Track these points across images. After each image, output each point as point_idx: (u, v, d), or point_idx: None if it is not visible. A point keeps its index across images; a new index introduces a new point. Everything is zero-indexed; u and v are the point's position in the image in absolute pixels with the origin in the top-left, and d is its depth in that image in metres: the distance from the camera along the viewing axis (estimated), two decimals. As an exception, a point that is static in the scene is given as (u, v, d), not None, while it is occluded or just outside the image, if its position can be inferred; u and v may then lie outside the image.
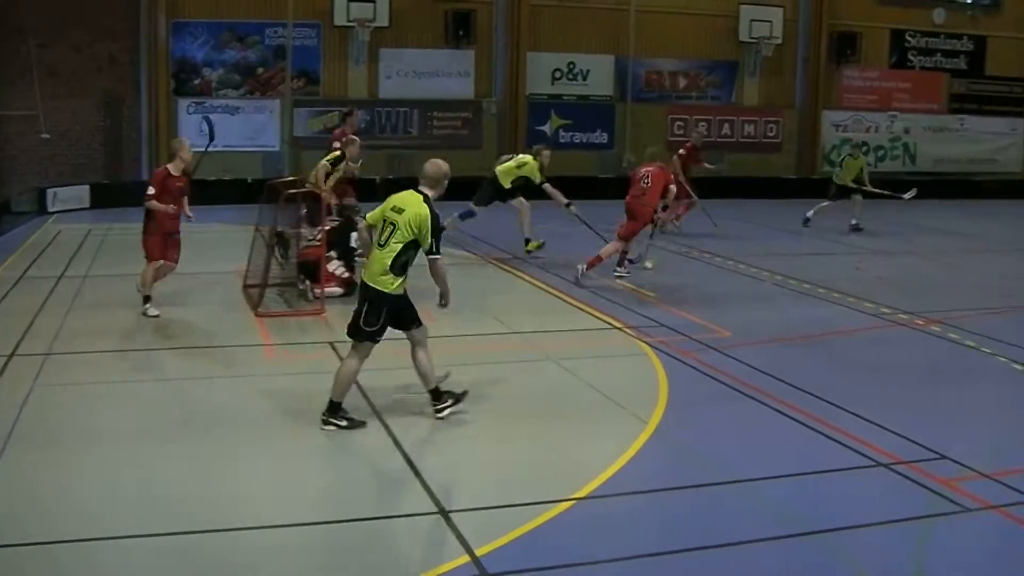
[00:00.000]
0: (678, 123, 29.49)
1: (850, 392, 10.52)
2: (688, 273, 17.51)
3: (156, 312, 13.13)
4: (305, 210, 14.95)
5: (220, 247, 18.85)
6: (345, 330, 9.22)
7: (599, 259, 15.87)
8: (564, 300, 14.78)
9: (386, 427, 9.05)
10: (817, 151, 30.91)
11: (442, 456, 8.76)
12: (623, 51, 28.69)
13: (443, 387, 9.42)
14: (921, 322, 13.96)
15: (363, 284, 9.15)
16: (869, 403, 10.05)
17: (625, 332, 12.85)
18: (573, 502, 7.51)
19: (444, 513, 7.25)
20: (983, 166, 33.28)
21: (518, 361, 11.60)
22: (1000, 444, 9.35)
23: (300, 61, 26.69)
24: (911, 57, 32.36)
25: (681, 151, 21.88)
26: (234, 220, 20.09)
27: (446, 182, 9.26)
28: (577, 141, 28.73)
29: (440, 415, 9.30)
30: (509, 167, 18.08)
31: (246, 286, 14.56)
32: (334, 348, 11.37)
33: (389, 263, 8.85)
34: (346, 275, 14.35)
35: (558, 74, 28.45)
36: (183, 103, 26.20)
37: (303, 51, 26.67)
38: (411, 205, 8.94)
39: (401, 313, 9.06)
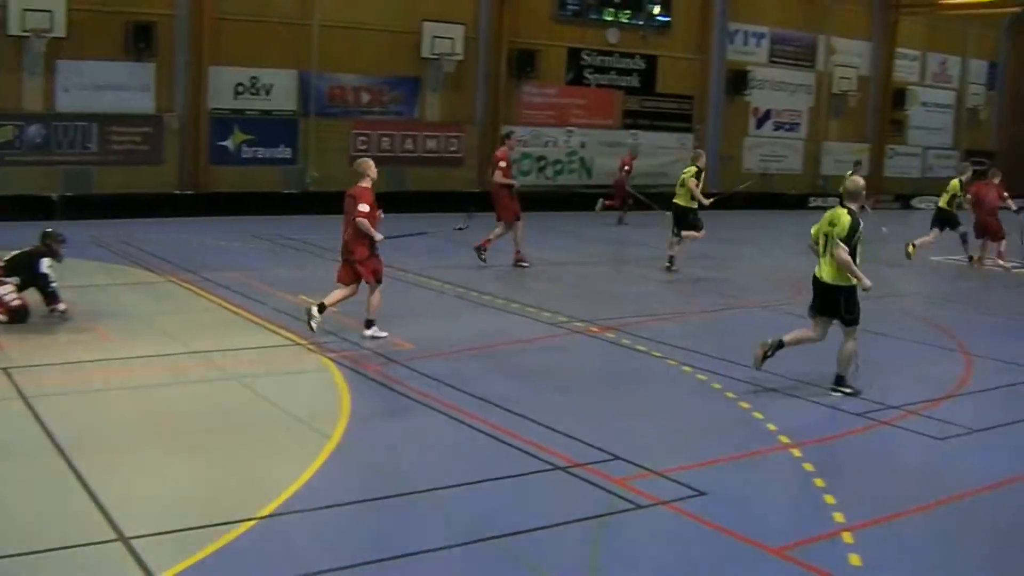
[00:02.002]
0: (361, 138, 29.49)
1: (528, 399, 10.82)
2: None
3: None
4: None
5: None
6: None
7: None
8: (245, 318, 14.54)
9: (62, 452, 8.68)
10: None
11: (121, 481, 8.43)
12: (306, 66, 28.48)
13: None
14: (596, 329, 14.48)
15: (825, 285, 11.52)
16: (546, 409, 10.38)
17: (307, 348, 12.77)
18: (256, 521, 7.40)
19: (124, 540, 7.00)
20: (655, 179, 34.68)
21: (198, 381, 11.34)
22: (669, 443, 9.84)
23: (-30, 72, 25.31)
24: (587, 75, 33.48)
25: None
26: None
27: (863, 194, 11.78)
28: (260, 156, 28.30)
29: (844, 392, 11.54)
30: None
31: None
32: (8, 374, 10.87)
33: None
34: (16, 303, 13.51)
35: (241, 88, 27.95)
36: None
37: (-27, 61, 25.31)
38: (840, 218, 11.26)
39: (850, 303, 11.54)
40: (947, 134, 45.69)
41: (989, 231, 23.33)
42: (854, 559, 7.20)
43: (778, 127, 39.06)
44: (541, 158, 32.47)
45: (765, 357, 11.77)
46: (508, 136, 21.67)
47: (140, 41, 26.15)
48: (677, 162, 35.11)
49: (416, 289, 17.30)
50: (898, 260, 23.42)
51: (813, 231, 11.73)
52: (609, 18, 33.87)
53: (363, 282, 13.45)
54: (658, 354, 13.12)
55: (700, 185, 20.49)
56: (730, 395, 11.36)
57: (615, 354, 13.37)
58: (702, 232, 20.88)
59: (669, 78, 35.34)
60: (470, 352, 13.03)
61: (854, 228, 11.20)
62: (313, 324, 13.11)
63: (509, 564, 7.02)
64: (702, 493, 8.25)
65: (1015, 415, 11.45)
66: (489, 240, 20.03)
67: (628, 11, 34.21)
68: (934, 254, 25.19)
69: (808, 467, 9.07)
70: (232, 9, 27.20)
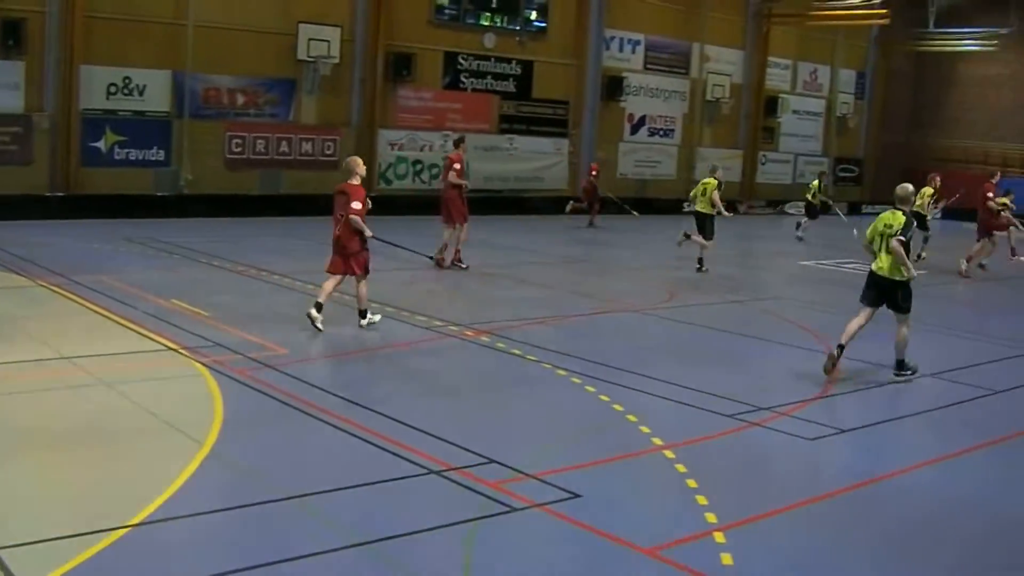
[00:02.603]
0: (236, 140, 29.13)
1: (403, 403, 10.80)
2: (244, 291, 17.29)
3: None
4: None
5: None
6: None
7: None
8: (117, 322, 14.25)
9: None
10: (373, 169, 31.34)
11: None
12: (180, 66, 27.99)
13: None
14: (471, 333, 14.50)
15: (883, 279, 13.03)
16: (421, 413, 10.36)
17: (180, 353, 12.55)
18: (127, 529, 7.24)
19: (-11, 549, 6.83)
20: (531, 183, 34.93)
21: (68, 387, 11.07)
22: (544, 446, 9.88)
23: None
24: (463, 79, 33.50)
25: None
26: None
27: (915, 198, 13.88)
28: (133, 158, 27.73)
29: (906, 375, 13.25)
30: None
31: None
32: None
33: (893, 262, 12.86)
34: None
35: (113, 89, 27.36)
36: None
37: None
38: (896, 220, 12.90)
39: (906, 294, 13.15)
40: (817, 141, 46.74)
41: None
42: (726, 558, 7.30)
43: (653, 133, 39.54)
44: (417, 162, 32.39)
45: (833, 363, 13.05)
46: (462, 140, 22.44)
47: (9, 38, 25.46)
48: (553, 166, 35.45)
49: (291, 293, 17.13)
50: (769, 265, 23.84)
51: (868, 233, 13.33)
52: (486, 23, 33.98)
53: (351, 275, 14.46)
54: (533, 358, 13.18)
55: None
56: (604, 398, 11.44)
57: (490, 358, 13.39)
58: (712, 242, 22.80)
59: (545, 83, 35.54)
60: (345, 356, 12.97)
61: (908, 224, 12.95)
62: (318, 325, 14.02)
63: (384, 568, 6.98)
64: (576, 495, 8.30)
65: (882, 415, 11.78)
66: (454, 249, 21.04)
67: (505, 16, 34.35)
68: (804, 259, 25.72)
69: (681, 468, 9.18)
70: (104, 7, 26.64)
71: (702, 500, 8.40)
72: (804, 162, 45.45)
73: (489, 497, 8.18)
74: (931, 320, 17.50)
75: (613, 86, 37.47)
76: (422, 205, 30.13)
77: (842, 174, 47.87)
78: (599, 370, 12.62)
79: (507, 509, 7.97)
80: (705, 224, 22.78)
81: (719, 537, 7.67)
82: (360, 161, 14.72)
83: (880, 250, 13.08)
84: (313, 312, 14.05)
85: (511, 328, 14.97)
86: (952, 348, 16.38)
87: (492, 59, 34.06)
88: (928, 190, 26.61)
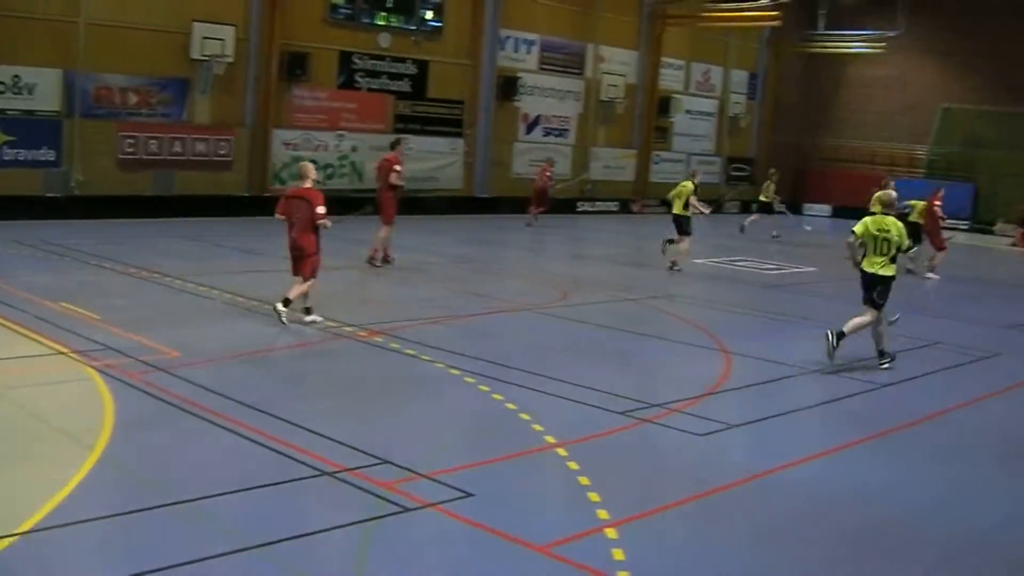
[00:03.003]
0: (128, 140, 28.62)
1: (296, 405, 10.79)
2: (136, 294, 17.03)
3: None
4: None
5: None
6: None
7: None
8: (5, 326, 13.92)
9: None
10: (267, 169, 31.10)
11: None
12: (71, 65, 27.45)
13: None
14: (364, 334, 14.48)
15: (875, 276, 14.15)
16: (314, 414, 10.36)
17: (70, 357, 12.35)
18: (16, 537, 7.12)
19: None
20: (427, 183, 34.86)
21: (-49, 392, 10.90)
22: (438, 445, 9.93)
23: None
24: (358, 78, 33.35)
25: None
26: None
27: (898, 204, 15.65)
28: (22, 159, 27.10)
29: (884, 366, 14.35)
30: None
31: None
32: None
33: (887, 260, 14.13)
34: None
35: (1, 87, 26.80)
36: None
37: None
38: (893, 225, 14.07)
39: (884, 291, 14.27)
40: (710, 141, 47.36)
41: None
42: (617, 554, 7.41)
43: (547, 133, 39.75)
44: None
45: (834, 348, 14.26)
46: (398, 142, 23.39)
47: None
48: (449, 166, 35.48)
49: (183, 295, 16.94)
50: (662, 263, 24.10)
51: (859, 231, 14.31)
52: (381, 22, 33.86)
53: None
54: (427, 358, 13.21)
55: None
56: (498, 397, 11.51)
57: (384, 358, 13.39)
58: (687, 243, 24.15)
59: (440, 83, 35.54)
60: (238, 358, 12.86)
61: (904, 232, 14.28)
62: (318, 321, 14.88)
63: (277, 572, 6.95)
64: (469, 494, 8.35)
65: (771, 410, 11.99)
66: (376, 248, 21.61)
67: (400, 16, 34.27)
68: (697, 257, 26.03)
69: (573, 466, 9.28)
70: (-9, 4, 26.13)
71: (594, 497, 8.50)
72: (697, 161, 45.98)
73: (382, 498, 8.20)
74: (822, 317, 17.86)
75: (508, 86, 37.58)
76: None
77: (734, 173, 48.57)
78: (492, 369, 12.70)
79: (400, 509, 8.00)
80: (682, 225, 23.99)
81: (611, 533, 7.77)
82: (312, 167, 15.54)
83: (874, 252, 14.17)
84: (306, 318, 14.95)
85: (405, 328, 14.99)
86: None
87: (387, 59, 33.95)
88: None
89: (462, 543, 7.66)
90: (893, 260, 14.26)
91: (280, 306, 14.64)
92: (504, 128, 37.99)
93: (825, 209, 48.30)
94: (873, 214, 14.67)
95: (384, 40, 33.75)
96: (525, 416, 10.79)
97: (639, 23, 42.78)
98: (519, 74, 38.14)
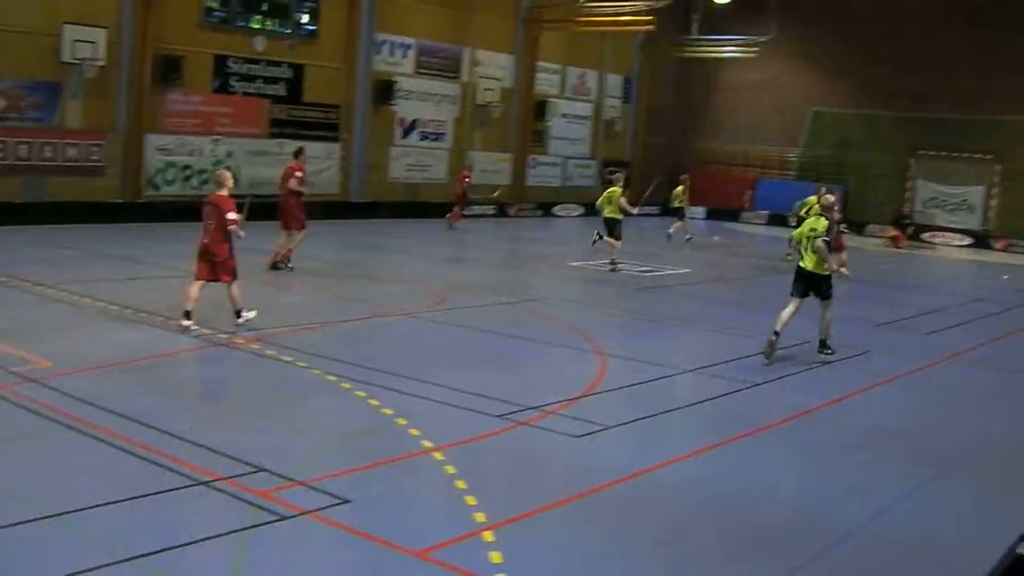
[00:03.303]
0: (-3, 145, 28.06)
1: (171, 414, 10.64)
2: (5, 303, 16.61)
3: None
4: None
5: None
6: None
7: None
8: None
9: None
10: (141, 174, 30.58)
11: None
12: (-66, 68, 26.84)
13: None
14: (241, 341, 14.37)
15: (810, 273, 15.44)
16: (189, 424, 10.26)
17: (-66, 368, 12.10)
18: None
19: None
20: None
21: None
22: (315, 452, 9.93)
23: None
24: (233, 82, 32.95)
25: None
26: None
27: (835, 207, 16.60)
28: None
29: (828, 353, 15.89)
30: None
31: None
32: None
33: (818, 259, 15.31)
34: None
35: None
36: None
37: None
38: (821, 225, 15.35)
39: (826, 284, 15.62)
40: (585, 144, 47.69)
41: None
42: (495, 557, 7.49)
43: (424, 137, 39.69)
44: (187, 167, 31.68)
45: (773, 349, 15.23)
46: (301, 151, 23.46)
47: None
48: (324, 171, 35.25)
49: (55, 304, 16.60)
50: (538, 267, 24.27)
51: (795, 234, 16.23)
52: (256, 26, 33.46)
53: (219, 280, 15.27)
54: (303, 364, 13.15)
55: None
56: (374, 403, 11.51)
57: (261, 366, 13.32)
58: (620, 242, 25.56)
59: (316, 87, 35.27)
60: (111, 368, 12.64)
61: (830, 228, 15.52)
62: (192, 329, 14.79)
63: (152, 583, 6.92)
64: (346, 501, 8.38)
65: (645, 410, 12.18)
66: (287, 251, 21.93)
67: (275, 19, 33.94)
68: (573, 260, 26.27)
69: (450, 470, 9.34)
70: None
71: (471, 500, 8.58)
72: (573, 165, 46.35)
73: (258, 506, 8.18)
74: (695, 318, 18.16)
75: (384, 90, 37.45)
76: (192, 211, 29.55)
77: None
78: (369, 375, 12.69)
79: (277, 518, 7.98)
80: (615, 228, 25.40)
81: (488, 536, 7.86)
82: (229, 175, 15.92)
83: (806, 251, 15.46)
84: (184, 322, 14.78)
85: (280, 335, 14.90)
86: (714, 344, 17.06)
87: (263, 63, 33.58)
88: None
89: (339, 550, 7.69)
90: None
91: (184, 321, 14.81)
92: (380, 133, 37.84)
93: (700, 211, 49.03)
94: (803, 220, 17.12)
95: (259, 44, 33.38)
96: (402, 421, 10.83)
97: (515, 27, 42.96)
98: (395, 78, 38.01)
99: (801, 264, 15.60)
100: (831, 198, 16.31)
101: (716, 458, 10.66)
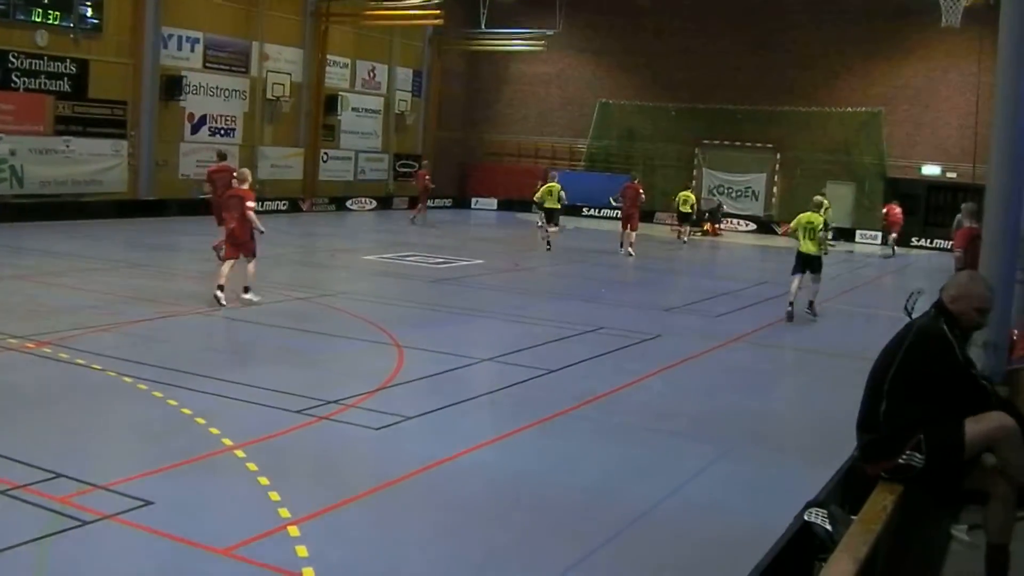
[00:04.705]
0: None
1: (-39, 422, 10.37)
2: None
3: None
4: None
5: None
6: None
7: None
8: None
9: None
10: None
11: None
12: None
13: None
14: (32, 345, 14.00)
15: (808, 255, 20.02)
16: (-20, 432, 9.99)
17: None
18: None
19: None
20: (89, 187, 33.72)
21: None
22: (114, 455, 9.83)
23: None
24: (15, 78, 31.83)
25: None
26: None
27: (825, 204, 21.95)
28: None
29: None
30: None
31: None
32: None
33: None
34: None
35: None
36: None
37: None
38: (817, 220, 20.12)
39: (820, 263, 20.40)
40: (377, 138, 47.75)
41: None
42: (301, 551, 7.57)
43: (214, 132, 39.11)
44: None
45: (792, 316, 19.86)
46: (226, 156, 27.55)
47: None
48: (112, 168, 34.43)
49: None
50: (333, 261, 24.25)
51: (793, 225, 20.51)
52: (37, 19, 32.39)
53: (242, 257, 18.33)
54: (98, 366, 12.90)
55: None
56: (172, 403, 11.41)
57: (53, 370, 13.00)
58: (558, 228, 33.17)
59: (102, 83, 34.38)
60: None
61: (826, 223, 21.02)
62: (223, 302, 17.66)
63: (-52, 595, 6.79)
64: (149, 503, 8.31)
65: (443, 400, 12.36)
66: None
67: (57, 12, 32.90)
68: (367, 254, 26.33)
69: (252, 467, 9.36)
70: None
71: (275, 496, 8.63)
72: (364, 159, 46.35)
73: (58, 512, 8.04)
74: (489, 308, 18.45)
75: (172, 85, 36.76)
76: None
77: (402, 170, 49.10)
78: (165, 375, 12.55)
79: (78, 523, 7.87)
80: (553, 215, 32.30)
81: (293, 531, 7.93)
82: (248, 172, 19.29)
83: (804, 238, 20.00)
84: (218, 293, 17.72)
85: (73, 337, 14.58)
86: (508, 333, 17.37)
87: (45, 58, 32.58)
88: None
89: (144, 552, 7.64)
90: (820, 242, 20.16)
91: (243, 295, 18.04)
92: (169, 129, 37.14)
93: (491, 202, 49.60)
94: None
95: (41, 38, 32.35)
96: (201, 420, 10.77)
97: (304, 21, 42.71)
98: (183, 73, 37.37)
99: (802, 249, 20.06)
100: (819, 198, 21.43)
101: (515, 444, 10.92)
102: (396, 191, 47.75)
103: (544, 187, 32.22)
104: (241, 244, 18.30)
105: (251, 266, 18.32)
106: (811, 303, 20.48)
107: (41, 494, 8.37)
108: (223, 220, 21.44)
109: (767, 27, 44.72)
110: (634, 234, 31.16)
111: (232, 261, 18.20)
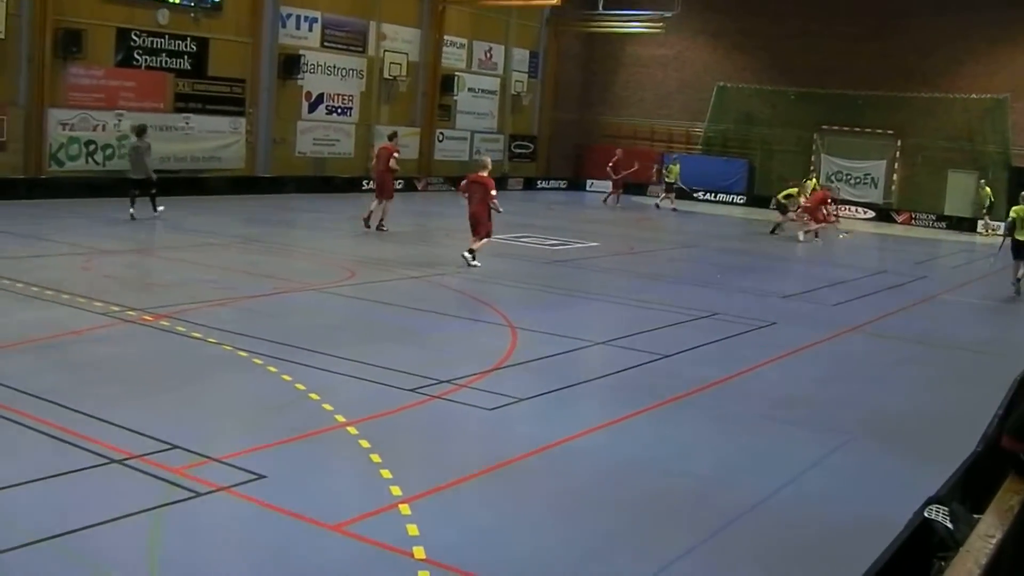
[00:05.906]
0: None
1: (80, 392, 10.51)
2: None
3: None
4: None
5: None
6: None
7: None
8: None
9: None
10: (44, 150, 29.99)
11: None
12: None
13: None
14: (150, 318, 14.19)
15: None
16: (100, 402, 10.11)
17: None
18: None
19: None
20: (208, 163, 34.23)
21: None
22: (228, 428, 9.91)
23: None
24: (137, 56, 32.38)
25: None
26: None
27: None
28: None
29: None
30: None
31: None
32: None
33: None
34: None
35: None
36: None
37: None
38: None
39: None
40: (492, 119, 47.75)
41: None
42: (412, 529, 7.53)
43: (331, 111, 39.44)
44: (90, 142, 31.12)
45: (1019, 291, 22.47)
46: (395, 135, 28.68)
47: None
48: (231, 146, 34.90)
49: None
50: (447, 241, 24.25)
51: (1013, 215, 22.55)
52: (159, -2, 32.96)
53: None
54: (213, 340, 13.05)
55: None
56: (287, 378, 11.47)
57: (170, 342, 13.18)
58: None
59: (221, 61, 34.84)
60: (16, 347, 12.44)
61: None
62: (473, 263, 20.81)
63: (67, 563, 6.82)
64: (261, 476, 8.35)
65: (556, 383, 12.27)
66: (372, 214, 26.40)
67: (178, -9, 33.41)
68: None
69: (364, 444, 9.36)
70: None
71: (386, 474, 8.60)
72: (480, 139, 46.39)
73: (173, 483, 8.12)
74: (603, 291, 18.28)
75: (290, 64, 37.13)
76: (96, 187, 29.22)
77: (517, 151, 49.09)
78: (280, 350, 12.64)
79: (192, 495, 7.94)
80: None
81: (404, 509, 7.89)
82: (489, 159, 21.95)
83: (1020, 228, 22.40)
84: (467, 254, 20.89)
85: (191, 311, 14.76)
86: (621, 316, 17.22)
87: (166, 36, 33.06)
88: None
89: (255, 525, 7.67)
90: None
91: (466, 254, 20.85)
92: (287, 107, 37.53)
93: (606, 185, 49.34)
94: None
95: (162, 17, 32.86)
96: (315, 396, 10.81)
97: (421, 1, 42.83)
98: (301, 52, 37.71)
99: (1019, 236, 22.27)
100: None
101: (627, 429, 10.79)
102: (511, 172, 47.69)
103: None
104: (479, 224, 20.88)
105: (483, 243, 21.04)
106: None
107: (157, 464, 8.46)
108: (379, 193, 26.15)
109: (888, 10, 43.75)
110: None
111: (486, 240, 21.17)
